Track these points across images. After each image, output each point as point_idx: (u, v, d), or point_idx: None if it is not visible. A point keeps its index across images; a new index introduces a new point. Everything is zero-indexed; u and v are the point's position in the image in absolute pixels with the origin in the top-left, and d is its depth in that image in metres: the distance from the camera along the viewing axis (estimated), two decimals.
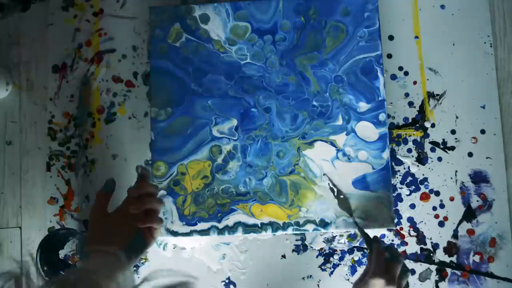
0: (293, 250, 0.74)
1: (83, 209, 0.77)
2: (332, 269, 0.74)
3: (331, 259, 0.74)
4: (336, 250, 0.74)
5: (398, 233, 0.74)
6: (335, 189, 0.68)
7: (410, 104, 0.76)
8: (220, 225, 0.70)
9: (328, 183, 0.68)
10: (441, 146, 0.75)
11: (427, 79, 0.76)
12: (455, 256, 0.73)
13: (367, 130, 0.71)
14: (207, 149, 0.71)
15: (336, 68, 0.72)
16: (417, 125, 0.76)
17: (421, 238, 0.74)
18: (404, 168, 0.75)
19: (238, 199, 0.70)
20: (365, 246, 0.70)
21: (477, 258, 0.73)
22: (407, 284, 0.63)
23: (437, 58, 0.76)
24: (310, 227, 0.69)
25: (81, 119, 0.78)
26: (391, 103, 0.76)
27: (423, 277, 0.73)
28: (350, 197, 0.69)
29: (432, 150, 0.75)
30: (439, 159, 0.75)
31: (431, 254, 0.73)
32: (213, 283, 0.74)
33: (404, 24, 0.77)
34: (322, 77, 0.72)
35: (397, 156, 0.75)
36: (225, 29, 0.73)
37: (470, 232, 0.73)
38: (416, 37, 0.77)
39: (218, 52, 0.73)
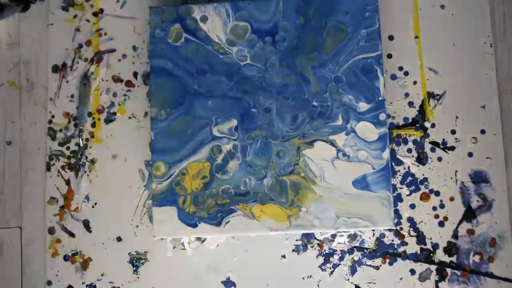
0: (293, 250, 0.75)
1: (83, 209, 0.77)
2: (332, 269, 0.74)
3: (331, 259, 0.74)
4: (336, 250, 0.74)
5: (398, 233, 0.74)
6: None
7: (410, 104, 0.76)
8: (220, 226, 0.70)
9: None
10: (441, 146, 0.75)
11: (427, 79, 0.76)
12: (455, 256, 0.73)
13: (367, 130, 0.71)
14: (207, 149, 0.71)
15: (336, 68, 0.72)
16: (417, 125, 0.76)
17: (421, 238, 0.74)
18: (404, 168, 0.75)
19: (238, 199, 0.70)
20: None
21: (477, 258, 0.73)
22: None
23: (437, 58, 0.76)
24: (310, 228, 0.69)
25: (81, 119, 0.78)
26: (391, 103, 0.76)
27: (423, 277, 0.73)
28: (350, 197, 0.69)
29: (432, 150, 0.75)
30: (439, 159, 0.75)
31: (431, 254, 0.73)
32: (213, 283, 0.74)
33: (404, 24, 0.77)
34: (322, 77, 0.72)
35: (397, 156, 0.75)
36: (225, 29, 0.73)
37: (470, 232, 0.73)
38: (416, 37, 0.77)
39: (218, 53, 0.73)
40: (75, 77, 0.79)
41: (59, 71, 0.79)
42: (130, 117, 0.78)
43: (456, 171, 0.75)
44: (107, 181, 0.77)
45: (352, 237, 0.74)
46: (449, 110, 0.76)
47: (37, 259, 0.77)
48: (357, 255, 0.74)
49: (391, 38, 0.77)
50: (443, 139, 0.75)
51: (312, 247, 0.74)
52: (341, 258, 0.74)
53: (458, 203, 0.74)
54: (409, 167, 0.75)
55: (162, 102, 0.72)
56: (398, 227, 0.74)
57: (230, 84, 0.72)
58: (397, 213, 0.74)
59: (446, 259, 0.73)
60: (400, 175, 0.75)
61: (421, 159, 0.75)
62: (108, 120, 0.78)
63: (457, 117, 0.76)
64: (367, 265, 0.74)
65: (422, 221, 0.74)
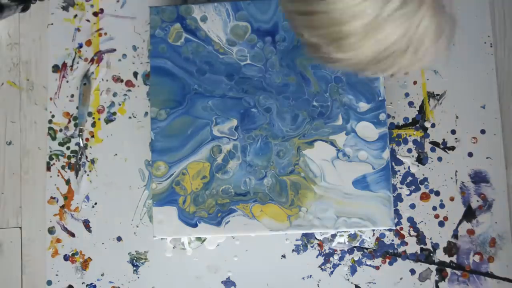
0: (293, 250, 0.74)
1: (83, 209, 0.77)
2: (332, 269, 0.74)
3: (331, 259, 0.74)
4: (336, 250, 0.74)
5: (398, 233, 0.74)
6: None
7: (410, 104, 0.76)
8: (220, 226, 0.70)
9: None
10: (441, 146, 0.75)
11: (427, 79, 0.76)
12: (455, 256, 0.73)
13: (367, 130, 0.71)
14: (207, 149, 0.71)
15: None
16: (417, 125, 0.75)
17: (421, 238, 0.74)
18: (404, 168, 0.75)
19: (238, 199, 0.70)
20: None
21: (477, 258, 0.73)
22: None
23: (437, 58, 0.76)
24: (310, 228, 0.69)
25: (81, 119, 0.78)
26: (391, 103, 0.76)
27: (423, 277, 0.73)
28: (350, 197, 0.69)
29: (432, 150, 0.75)
30: (439, 159, 0.75)
31: (431, 254, 0.73)
32: (213, 283, 0.74)
33: None
34: (322, 77, 0.72)
35: (397, 156, 0.75)
36: (225, 29, 0.73)
37: (470, 232, 0.73)
38: None
39: (218, 53, 0.73)
40: (75, 77, 0.79)
41: (59, 71, 0.79)
42: (130, 117, 0.78)
43: (456, 171, 0.75)
44: (107, 181, 0.77)
45: (352, 237, 0.74)
46: (449, 110, 0.76)
47: (37, 259, 0.77)
48: (357, 255, 0.74)
49: None
50: (443, 139, 0.75)
51: (312, 247, 0.74)
52: (341, 258, 0.74)
53: (458, 203, 0.74)
54: (409, 167, 0.75)
55: (162, 102, 0.72)
56: (398, 227, 0.74)
57: (230, 84, 0.72)
58: (397, 213, 0.74)
59: (446, 259, 0.73)
60: (400, 175, 0.75)
61: (421, 159, 0.75)
62: (108, 120, 0.78)
63: (457, 117, 0.76)
64: (367, 265, 0.74)
65: (422, 221, 0.74)
